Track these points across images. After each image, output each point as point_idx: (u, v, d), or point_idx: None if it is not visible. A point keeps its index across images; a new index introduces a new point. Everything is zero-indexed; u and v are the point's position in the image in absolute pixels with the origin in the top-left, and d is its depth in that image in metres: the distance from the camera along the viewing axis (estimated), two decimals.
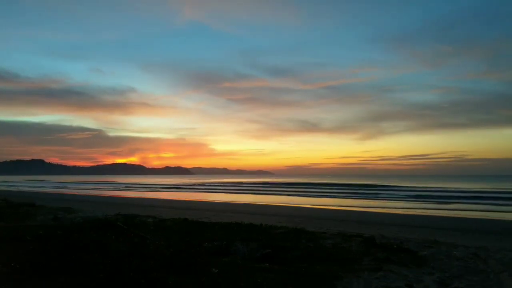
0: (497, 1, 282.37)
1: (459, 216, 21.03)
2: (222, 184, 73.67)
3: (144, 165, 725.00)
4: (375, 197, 39.29)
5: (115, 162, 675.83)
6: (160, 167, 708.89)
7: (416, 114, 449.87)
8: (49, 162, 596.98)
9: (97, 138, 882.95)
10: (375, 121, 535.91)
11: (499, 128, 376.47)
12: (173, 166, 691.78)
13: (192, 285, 5.32)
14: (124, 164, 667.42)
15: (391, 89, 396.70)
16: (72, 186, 75.11)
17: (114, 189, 61.54)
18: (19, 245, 7.85)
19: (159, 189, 60.45)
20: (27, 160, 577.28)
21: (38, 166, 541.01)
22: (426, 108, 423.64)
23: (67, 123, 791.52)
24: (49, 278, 5.47)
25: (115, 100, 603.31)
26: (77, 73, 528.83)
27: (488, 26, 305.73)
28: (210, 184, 77.67)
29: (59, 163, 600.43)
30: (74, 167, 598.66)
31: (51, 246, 7.54)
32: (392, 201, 33.23)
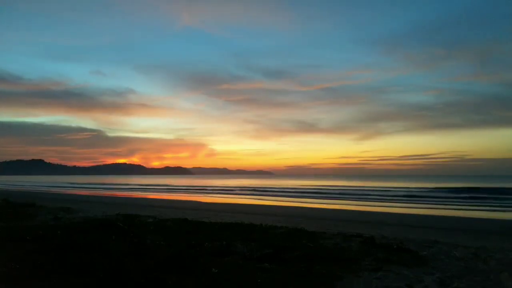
0: (489, 3, 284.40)
1: (459, 216, 21.03)
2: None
3: (144, 165, 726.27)
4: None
5: (114, 162, 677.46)
6: (160, 167, 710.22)
7: (411, 114, 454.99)
8: (49, 162, 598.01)
9: (97, 139, 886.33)
10: (372, 122, 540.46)
11: (494, 128, 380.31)
12: (173, 166, 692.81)
13: (192, 285, 5.31)
14: (124, 164, 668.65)
15: (386, 90, 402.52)
16: (72, 186, 75.07)
17: (116, 190, 61.43)
18: (19, 245, 7.85)
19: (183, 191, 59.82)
20: (27, 160, 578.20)
21: (38, 166, 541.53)
22: (421, 109, 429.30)
23: (67, 124, 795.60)
24: (49, 278, 5.47)
25: (115, 101, 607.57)
26: (77, 75, 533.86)
27: (479, 28, 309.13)
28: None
29: (59, 163, 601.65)
30: (74, 167, 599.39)
31: (51, 246, 7.55)
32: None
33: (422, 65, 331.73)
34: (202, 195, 44.19)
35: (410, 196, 38.94)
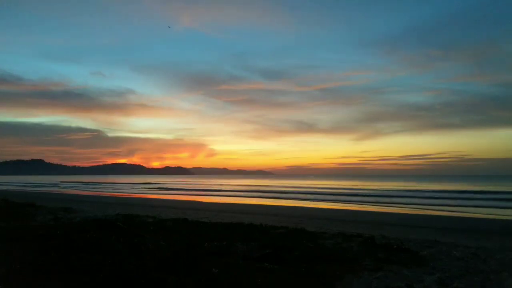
0: (485, 5, 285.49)
1: (459, 216, 21.02)
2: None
3: (144, 165, 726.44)
4: None
5: (114, 162, 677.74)
6: (160, 167, 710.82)
7: (410, 115, 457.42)
8: (49, 162, 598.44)
9: (97, 139, 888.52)
10: (370, 122, 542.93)
11: (493, 128, 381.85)
12: (173, 166, 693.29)
13: (192, 285, 5.31)
14: (124, 165, 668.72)
15: (384, 91, 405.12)
16: (72, 186, 75.02)
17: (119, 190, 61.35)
18: (19, 245, 7.85)
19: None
20: (27, 160, 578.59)
21: (38, 166, 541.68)
22: (419, 109, 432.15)
23: (67, 124, 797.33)
24: (49, 278, 5.47)
25: (114, 102, 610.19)
26: (77, 75, 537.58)
27: (476, 29, 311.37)
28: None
29: (59, 163, 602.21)
30: (74, 167, 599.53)
31: (51, 246, 7.54)
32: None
33: (419, 66, 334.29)
34: (202, 195, 44.18)
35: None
